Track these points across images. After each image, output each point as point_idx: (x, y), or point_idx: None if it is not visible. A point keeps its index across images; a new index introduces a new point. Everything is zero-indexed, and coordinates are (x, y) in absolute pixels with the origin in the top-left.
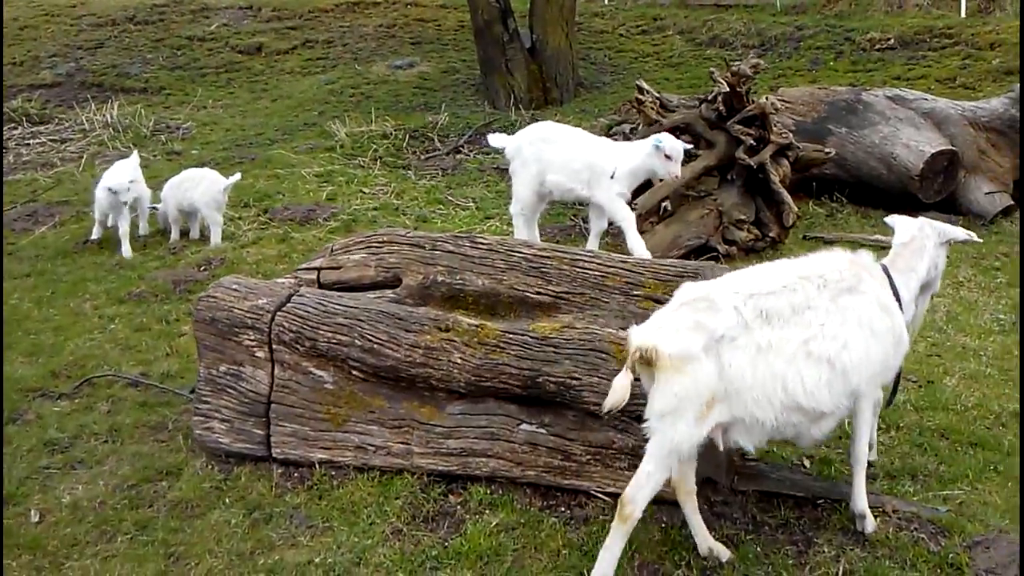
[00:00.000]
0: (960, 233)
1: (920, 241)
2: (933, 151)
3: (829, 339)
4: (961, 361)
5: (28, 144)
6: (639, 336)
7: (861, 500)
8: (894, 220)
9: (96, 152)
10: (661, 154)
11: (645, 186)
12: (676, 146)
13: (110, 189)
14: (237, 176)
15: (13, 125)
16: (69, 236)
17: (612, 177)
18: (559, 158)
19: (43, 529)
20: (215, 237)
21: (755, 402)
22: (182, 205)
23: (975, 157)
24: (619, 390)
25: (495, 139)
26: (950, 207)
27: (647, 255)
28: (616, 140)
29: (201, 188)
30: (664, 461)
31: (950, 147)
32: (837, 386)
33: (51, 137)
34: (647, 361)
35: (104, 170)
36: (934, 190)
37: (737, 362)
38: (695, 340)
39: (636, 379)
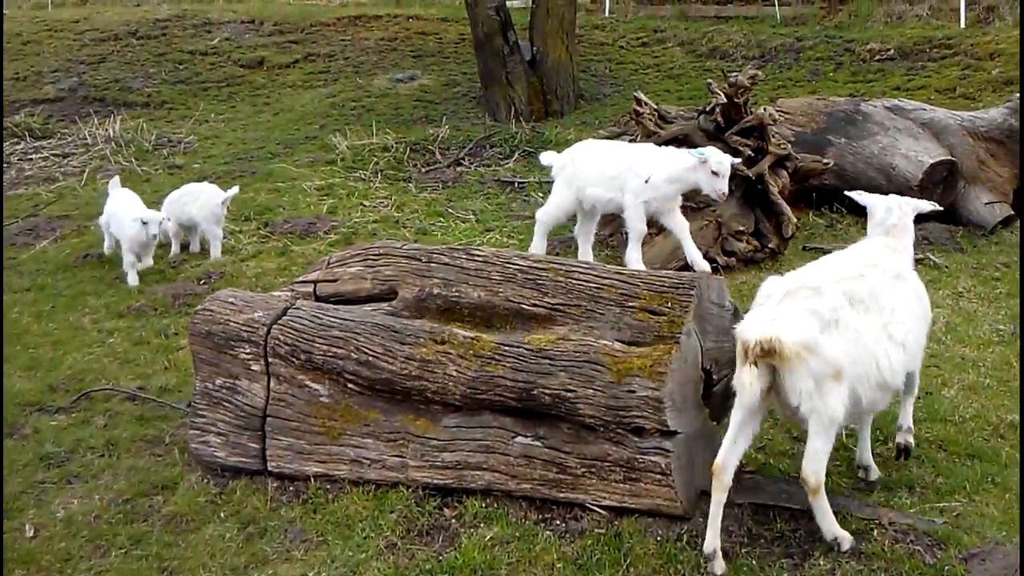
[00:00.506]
0: (926, 204)
1: (903, 219)
2: (932, 161)
3: (898, 323)
4: (960, 372)
5: (31, 159)
6: (757, 330)
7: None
8: (864, 198)
9: (98, 167)
10: (707, 169)
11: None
12: (724, 161)
13: (143, 221)
14: (235, 189)
15: (16, 140)
16: (70, 250)
17: (647, 182)
18: (596, 171)
19: (37, 544)
20: (215, 251)
21: (857, 379)
22: (181, 219)
23: (974, 167)
24: (748, 383)
25: (545, 157)
26: (949, 217)
27: (706, 265)
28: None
29: (200, 202)
30: (828, 433)
31: (949, 157)
32: (905, 366)
33: (53, 152)
34: (768, 353)
35: (105, 185)
36: (933, 200)
37: (843, 342)
38: (813, 325)
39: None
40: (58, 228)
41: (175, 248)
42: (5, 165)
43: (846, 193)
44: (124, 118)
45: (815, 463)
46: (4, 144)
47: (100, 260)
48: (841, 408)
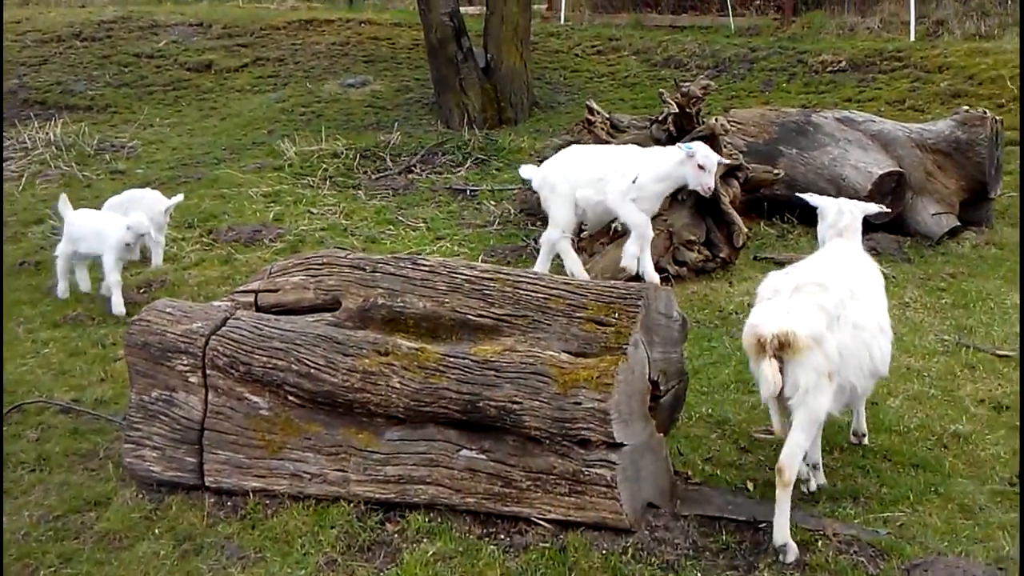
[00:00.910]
0: (874, 207)
1: (854, 221)
2: (881, 172)
3: (884, 315)
4: (905, 382)
5: None
6: (774, 323)
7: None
8: (815, 200)
9: (37, 171)
10: (694, 163)
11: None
12: (711, 156)
13: (131, 228)
14: (179, 197)
15: None
16: (5, 257)
17: (634, 183)
18: (584, 173)
19: None
20: (156, 258)
21: (853, 370)
22: None
23: (922, 179)
24: (771, 376)
25: (525, 170)
26: (897, 228)
27: (655, 277)
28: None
29: (142, 208)
30: (811, 429)
31: (897, 168)
32: (890, 356)
33: None
34: (784, 345)
35: (45, 192)
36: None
37: (843, 336)
38: (821, 320)
39: None
40: None
41: None
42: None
43: (798, 195)
44: (66, 121)
45: (793, 456)
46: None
47: (36, 268)
48: (827, 407)
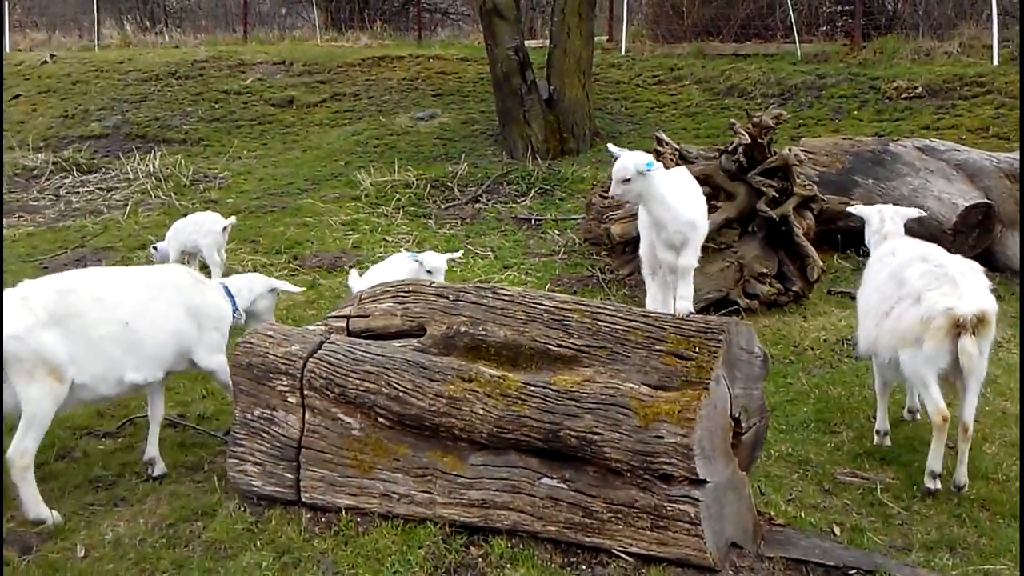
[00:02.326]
0: (914, 211)
1: (896, 225)
2: (967, 204)
3: None
4: (1001, 427)
5: (78, 192)
6: (973, 304)
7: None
8: (859, 210)
9: (140, 200)
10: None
11: None
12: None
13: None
14: (233, 219)
15: (64, 174)
16: None
17: None
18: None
19: (88, 564)
20: (215, 275)
21: None
22: (186, 246)
23: (1012, 211)
24: (978, 354)
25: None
26: (985, 262)
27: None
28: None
29: (203, 230)
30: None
31: (985, 200)
32: None
33: (99, 186)
34: (984, 321)
35: (146, 218)
36: (968, 245)
37: None
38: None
39: None
40: (104, 259)
41: None
42: (55, 198)
43: (848, 209)
44: (163, 154)
45: (973, 414)
46: (55, 177)
47: None
48: None
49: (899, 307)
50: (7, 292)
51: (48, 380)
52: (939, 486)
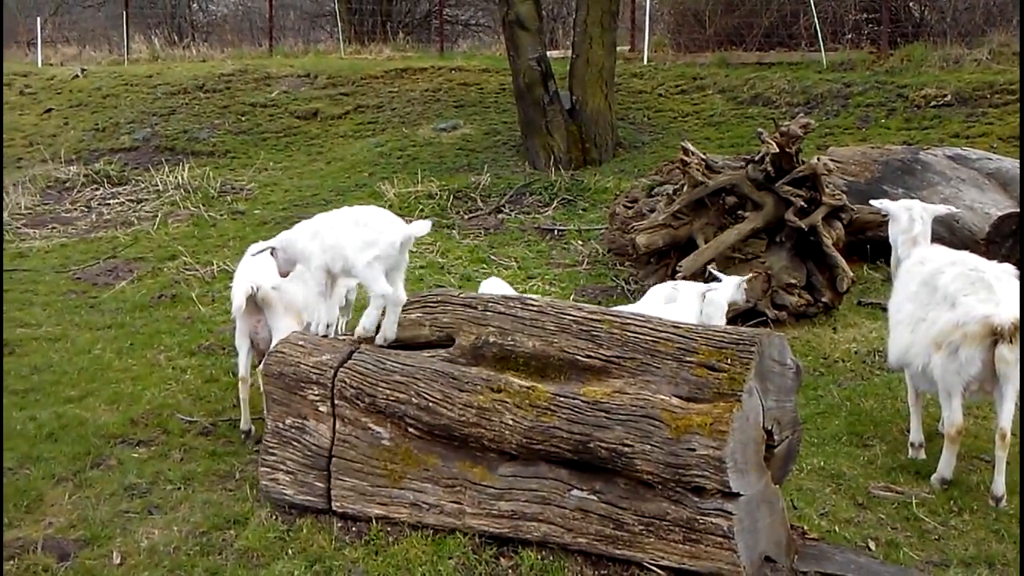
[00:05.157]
0: (943, 208)
1: (926, 227)
2: (1000, 214)
3: None
4: None
5: (109, 204)
6: (1011, 312)
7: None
8: (885, 205)
9: (169, 212)
10: None
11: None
12: None
13: None
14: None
15: (96, 186)
16: (146, 291)
17: None
18: None
19: (123, 571)
20: None
21: None
22: None
23: None
24: (1015, 360)
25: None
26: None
27: None
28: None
29: None
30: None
31: (1019, 209)
32: None
33: (129, 197)
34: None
35: (177, 230)
36: (1001, 255)
37: None
38: None
39: None
40: (135, 269)
41: None
42: (86, 209)
43: (871, 203)
44: (192, 166)
45: (1010, 418)
46: (86, 189)
47: (172, 300)
48: None
49: (934, 312)
50: None
51: None
52: (924, 456)
